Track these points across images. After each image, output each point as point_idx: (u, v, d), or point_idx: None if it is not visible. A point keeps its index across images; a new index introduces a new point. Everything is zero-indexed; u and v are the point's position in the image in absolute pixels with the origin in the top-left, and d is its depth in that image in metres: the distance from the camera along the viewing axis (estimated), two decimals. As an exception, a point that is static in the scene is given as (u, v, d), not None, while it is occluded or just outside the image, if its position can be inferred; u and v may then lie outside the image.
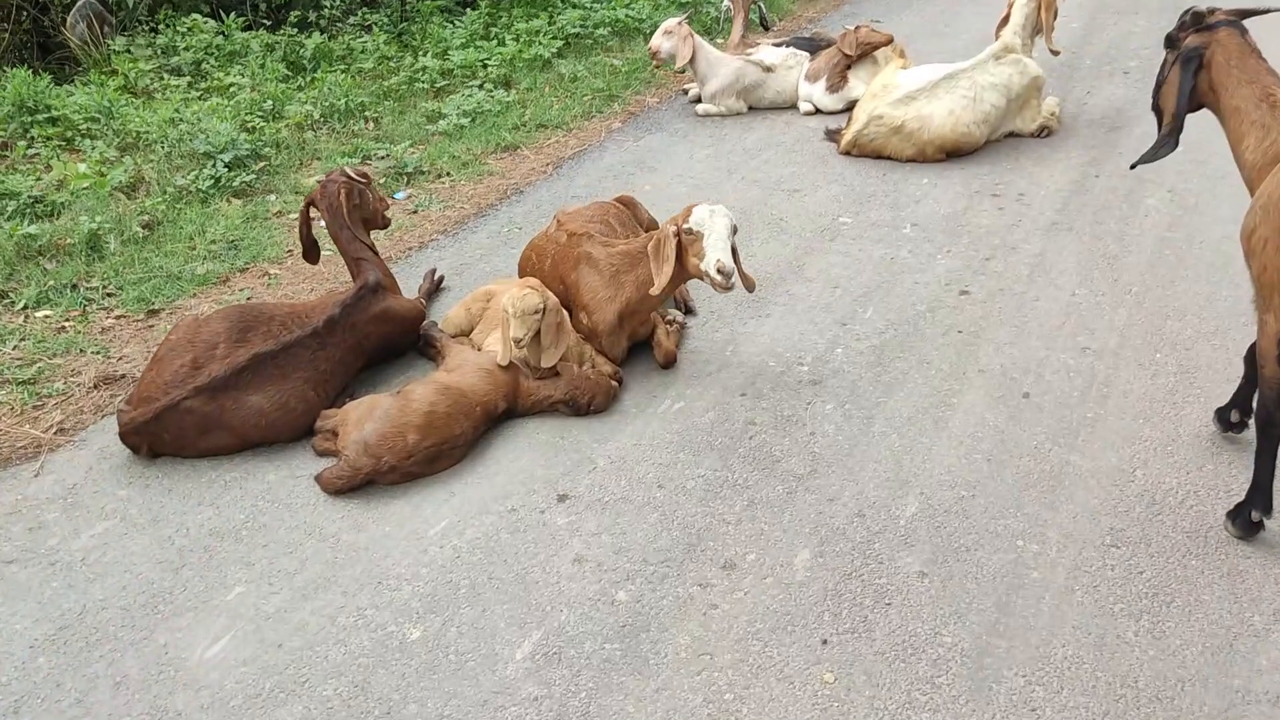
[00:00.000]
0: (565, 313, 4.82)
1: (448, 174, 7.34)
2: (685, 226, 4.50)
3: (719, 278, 4.40)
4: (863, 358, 5.10)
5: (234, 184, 7.01)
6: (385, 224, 5.34)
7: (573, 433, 4.60)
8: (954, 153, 7.34)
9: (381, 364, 5.07)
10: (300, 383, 4.50)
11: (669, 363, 5.00)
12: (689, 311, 5.46)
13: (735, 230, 4.55)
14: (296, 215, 6.71)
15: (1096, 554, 3.88)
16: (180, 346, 4.47)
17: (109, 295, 5.81)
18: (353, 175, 5.06)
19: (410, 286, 5.74)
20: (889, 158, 7.37)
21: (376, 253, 5.09)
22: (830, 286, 5.76)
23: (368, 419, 4.31)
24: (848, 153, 7.47)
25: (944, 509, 4.11)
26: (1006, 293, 5.67)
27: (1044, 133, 7.74)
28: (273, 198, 7.03)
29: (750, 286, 4.72)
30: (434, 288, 5.75)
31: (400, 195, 7.08)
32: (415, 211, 6.85)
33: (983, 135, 7.43)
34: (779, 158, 7.51)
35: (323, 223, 5.11)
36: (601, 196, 6.78)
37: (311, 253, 5.22)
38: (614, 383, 4.80)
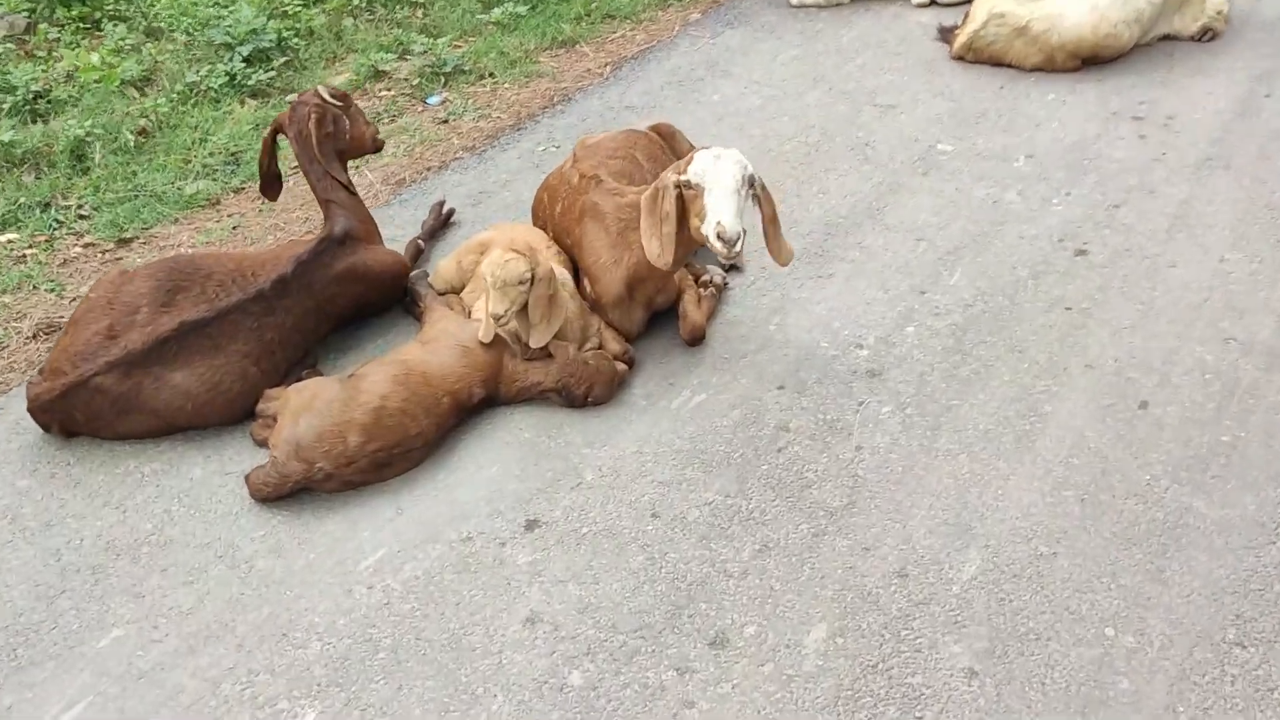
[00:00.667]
0: (567, 278, 3.94)
1: (491, 74, 6.40)
2: (684, 179, 3.54)
3: (719, 245, 3.45)
4: (939, 341, 4.09)
5: (250, 82, 6.20)
6: (377, 148, 4.48)
7: (563, 431, 3.75)
8: (1092, 60, 6.07)
9: (359, 323, 4.27)
10: (238, 357, 3.74)
11: (695, 339, 4.08)
12: (733, 269, 4.49)
13: (753, 182, 3.57)
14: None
15: (1213, 656, 2.91)
16: (97, 309, 3.74)
17: (82, 217, 5.12)
18: (327, 98, 4.19)
19: (415, 219, 4.91)
20: (1010, 65, 6.14)
21: (353, 192, 4.24)
22: (913, 238, 4.71)
23: (306, 411, 3.53)
24: (961, 58, 6.26)
25: (1013, 572, 3.16)
26: (1134, 254, 4.55)
27: (1207, 35, 6.37)
28: (292, 99, 6.20)
29: (785, 259, 3.75)
30: (440, 224, 4.90)
31: (433, 100, 6.19)
32: (445, 121, 5.96)
33: (1131, 38, 6.12)
34: (877, 62, 6.34)
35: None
36: (661, 107, 5.82)
37: (271, 186, 4.40)
38: (621, 366, 3.91)
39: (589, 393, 3.79)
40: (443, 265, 4.32)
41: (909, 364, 3.97)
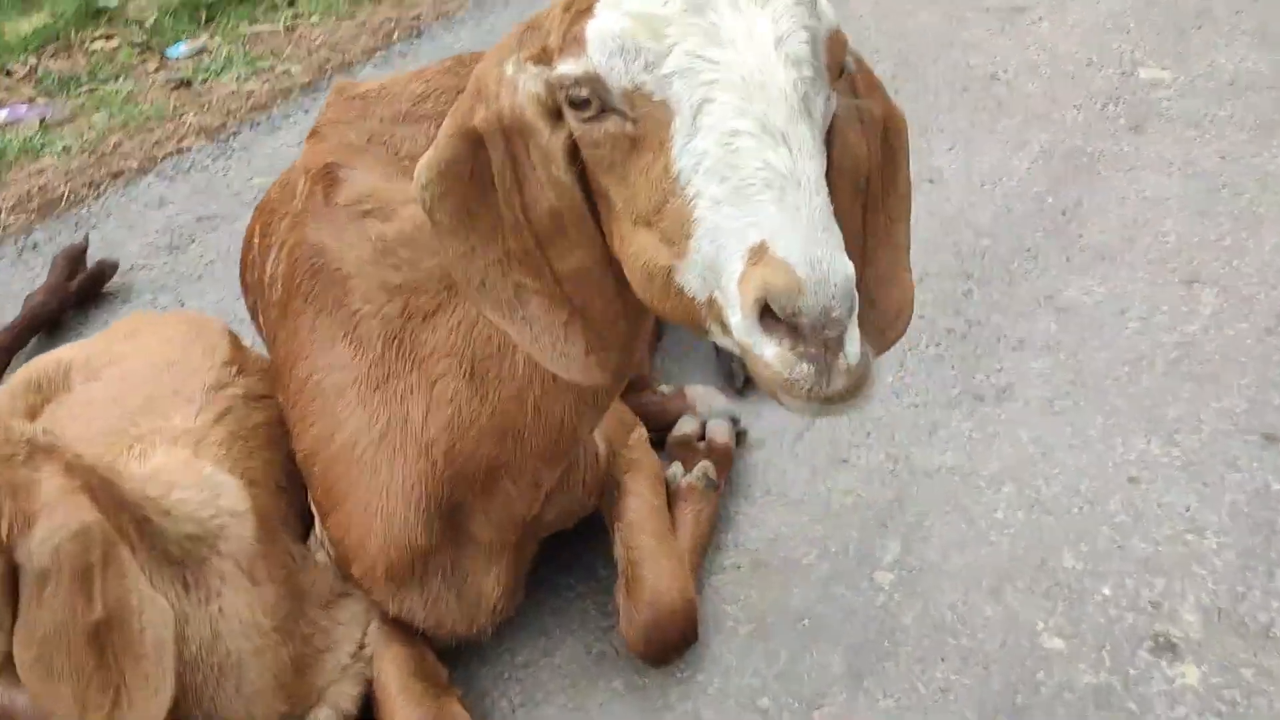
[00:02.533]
0: (239, 521, 1.19)
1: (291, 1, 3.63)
2: (559, 72, 0.88)
3: (777, 372, 0.77)
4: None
5: None
6: None
7: None
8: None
9: None
10: None
11: (655, 648, 1.34)
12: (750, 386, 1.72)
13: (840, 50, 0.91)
14: None
15: None
16: None
17: None
18: None
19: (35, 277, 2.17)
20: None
21: None
22: (1171, 274, 1.96)
23: None
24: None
25: None
26: None
27: None
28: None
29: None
30: (82, 290, 2.14)
31: (178, 51, 3.41)
32: (186, 84, 3.20)
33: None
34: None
35: None
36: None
37: None
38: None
39: None
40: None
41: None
